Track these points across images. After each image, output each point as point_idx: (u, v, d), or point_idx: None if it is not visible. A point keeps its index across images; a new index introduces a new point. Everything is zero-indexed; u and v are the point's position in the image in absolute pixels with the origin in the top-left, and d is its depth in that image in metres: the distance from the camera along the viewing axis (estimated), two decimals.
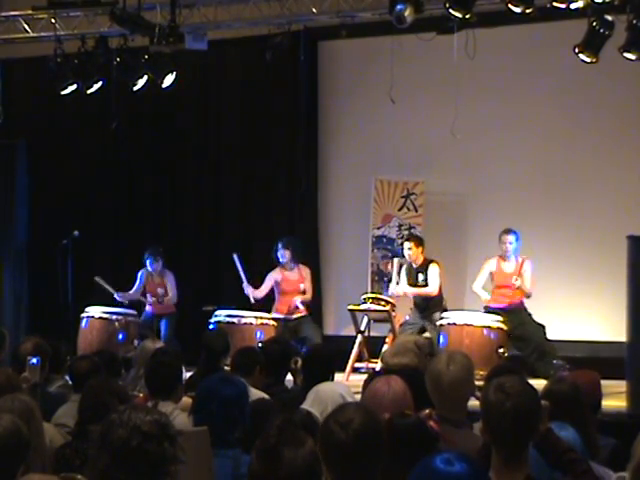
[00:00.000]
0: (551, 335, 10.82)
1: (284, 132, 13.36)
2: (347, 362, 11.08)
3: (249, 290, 11.57)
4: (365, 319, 11.46)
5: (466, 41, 10.84)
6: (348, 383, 9.65)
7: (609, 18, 9.83)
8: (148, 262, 12.07)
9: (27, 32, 12.54)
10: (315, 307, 12.38)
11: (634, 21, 9.63)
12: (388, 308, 11.25)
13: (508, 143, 12.25)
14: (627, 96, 11.71)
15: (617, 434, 5.39)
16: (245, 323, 11.25)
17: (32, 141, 14.28)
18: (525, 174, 12.16)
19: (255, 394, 6.13)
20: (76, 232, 12.22)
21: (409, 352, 6.16)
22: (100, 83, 12.02)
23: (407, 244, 11.30)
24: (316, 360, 6.70)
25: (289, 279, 11.63)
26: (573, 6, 9.58)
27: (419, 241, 11.30)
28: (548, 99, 12.06)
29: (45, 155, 14.22)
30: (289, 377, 7.37)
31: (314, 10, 11.70)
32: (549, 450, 3.81)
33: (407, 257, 11.26)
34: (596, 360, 9.99)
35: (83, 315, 11.76)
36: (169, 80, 11.81)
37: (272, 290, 11.72)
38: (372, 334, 11.53)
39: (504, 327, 10.46)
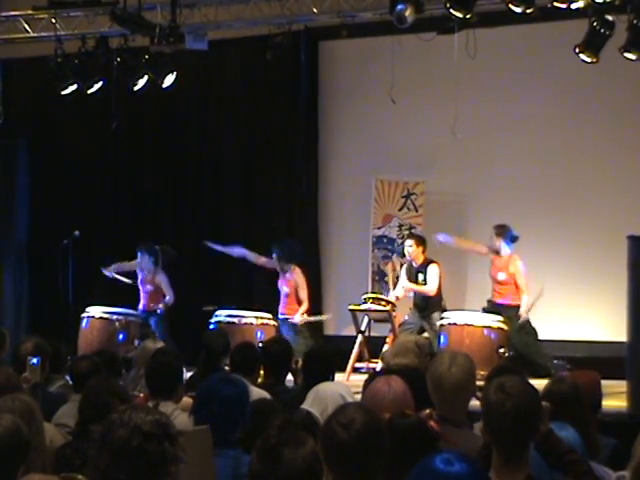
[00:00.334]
0: (551, 335, 10.83)
1: (284, 132, 13.36)
2: (347, 362, 11.08)
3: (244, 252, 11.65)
4: (366, 319, 11.47)
5: (467, 41, 10.85)
6: (348, 383, 9.65)
7: (610, 18, 9.84)
8: (138, 254, 12.05)
9: (27, 32, 12.55)
10: (315, 307, 12.38)
11: (634, 21, 9.64)
12: (388, 308, 11.26)
13: (509, 143, 12.25)
14: (627, 96, 11.71)
15: (617, 434, 5.39)
16: (245, 323, 11.26)
17: (32, 141, 14.29)
18: (525, 174, 12.16)
19: (258, 393, 6.14)
20: (76, 232, 12.22)
21: (410, 352, 6.16)
22: (100, 83, 12.02)
23: (408, 241, 11.33)
24: (316, 360, 6.70)
25: (280, 279, 11.62)
26: (574, 6, 9.58)
27: (420, 240, 11.30)
28: (549, 99, 12.06)
29: (45, 155, 14.22)
30: (289, 377, 7.37)
31: (315, 10, 11.70)
32: (550, 451, 3.81)
33: (407, 255, 11.26)
34: (596, 360, 9.98)
35: (83, 315, 11.76)
36: (169, 80, 11.81)
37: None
38: (372, 334, 11.53)
39: (505, 327, 10.46)
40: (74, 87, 12.06)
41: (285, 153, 13.40)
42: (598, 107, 11.87)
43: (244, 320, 11.28)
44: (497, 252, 10.90)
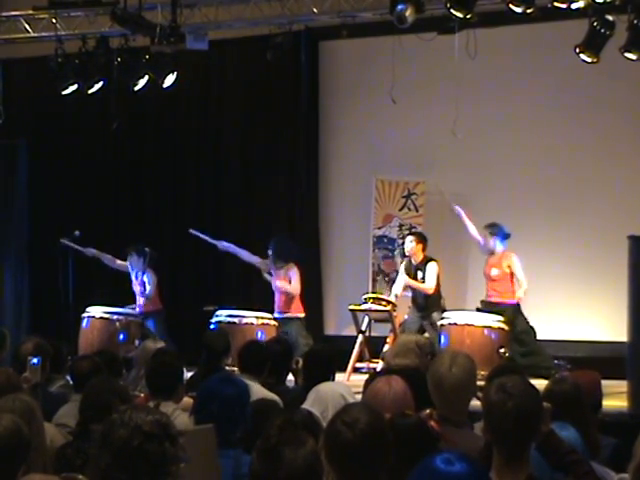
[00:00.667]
0: (551, 335, 10.83)
1: (285, 132, 13.36)
2: (348, 362, 11.08)
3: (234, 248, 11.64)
4: (366, 319, 11.47)
5: (467, 41, 10.84)
6: (349, 383, 9.65)
7: (610, 18, 9.84)
8: (127, 258, 12.08)
9: (28, 32, 12.55)
10: (316, 307, 12.39)
11: (635, 21, 9.65)
12: (389, 308, 11.26)
13: (509, 143, 12.25)
14: (628, 96, 11.71)
15: (618, 434, 5.39)
16: (246, 323, 11.26)
17: (33, 141, 14.29)
18: (526, 174, 12.16)
19: (265, 395, 6.14)
20: (77, 232, 12.22)
21: (410, 353, 6.16)
22: (101, 83, 12.03)
23: (409, 237, 11.36)
24: (317, 360, 6.70)
25: (276, 277, 11.61)
26: (574, 6, 9.58)
27: (421, 238, 11.31)
28: (549, 99, 12.06)
29: (46, 155, 14.22)
30: (290, 377, 7.38)
31: (315, 10, 11.70)
32: (551, 451, 3.81)
33: (407, 251, 11.26)
34: (597, 360, 9.99)
35: (84, 315, 11.76)
36: (170, 80, 11.82)
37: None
38: (373, 334, 11.53)
39: (505, 327, 10.46)
40: (74, 87, 12.06)
41: (285, 153, 13.40)
42: (598, 107, 11.87)
43: (245, 320, 11.28)
44: (492, 252, 10.92)
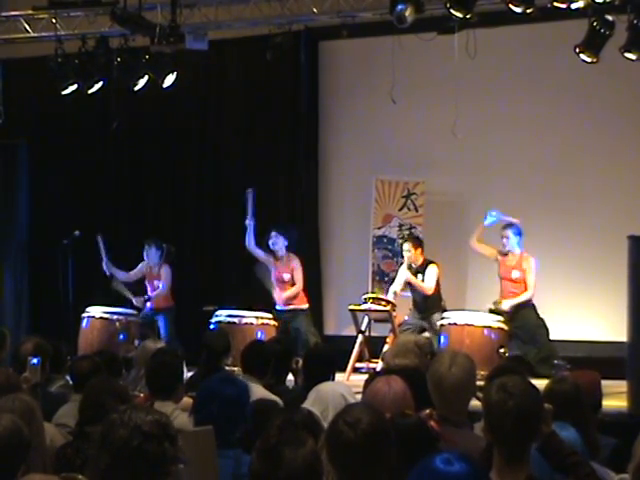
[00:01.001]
0: (552, 335, 10.82)
1: (284, 132, 13.36)
2: (348, 362, 11.08)
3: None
4: (366, 319, 11.46)
5: (467, 41, 10.84)
6: (349, 383, 9.64)
7: (610, 18, 9.84)
8: (145, 251, 12.07)
9: (28, 32, 12.55)
10: (315, 307, 12.38)
11: (635, 21, 9.64)
12: (389, 308, 11.25)
13: (509, 143, 12.25)
14: (628, 96, 11.71)
15: (618, 434, 5.39)
16: (246, 323, 11.26)
17: (33, 141, 14.28)
18: (525, 174, 12.15)
19: (266, 396, 6.14)
20: (77, 232, 12.23)
21: (410, 353, 6.16)
22: (101, 83, 12.02)
23: (405, 246, 11.31)
24: (317, 360, 6.70)
25: (277, 267, 11.63)
26: (574, 6, 9.58)
27: (417, 242, 11.30)
28: (549, 99, 12.05)
29: (46, 155, 14.22)
30: (290, 377, 7.38)
31: (315, 10, 11.70)
32: (552, 453, 3.81)
33: (406, 259, 11.26)
34: (596, 360, 9.99)
35: (84, 315, 11.77)
36: (170, 80, 11.82)
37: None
38: (373, 334, 11.53)
39: (505, 327, 10.46)
40: (74, 87, 12.06)
41: (285, 153, 13.40)
42: (598, 107, 11.87)
43: (244, 320, 11.28)
44: (507, 253, 10.86)
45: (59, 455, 4.75)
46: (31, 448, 3.93)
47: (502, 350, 10.21)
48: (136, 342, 11.07)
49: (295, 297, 11.61)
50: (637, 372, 8.40)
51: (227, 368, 7.74)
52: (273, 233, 11.61)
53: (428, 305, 11.13)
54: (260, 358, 6.87)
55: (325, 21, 12.04)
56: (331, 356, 6.81)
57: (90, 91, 12.09)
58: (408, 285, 11.28)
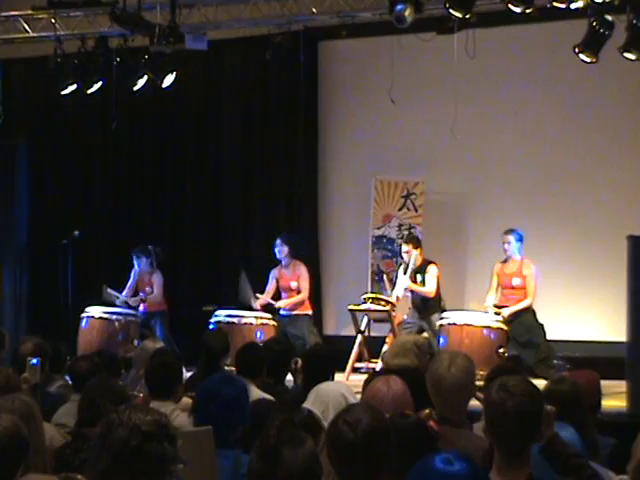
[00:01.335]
0: (551, 335, 10.81)
1: (284, 132, 13.36)
2: (347, 362, 11.08)
3: (260, 302, 11.53)
4: (365, 319, 11.46)
5: (466, 41, 10.85)
6: (348, 383, 9.64)
7: (609, 18, 9.84)
8: (134, 261, 12.05)
9: (27, 32, 12.54)
10: (315, 307, 12.36)
11: (634, 21, 9.64)
12: (388, 308, 11.25)
13: (508, 143, 12.25)
14: (627, 96, 11.71)
15: (617, 434, 5.39)
16: (245, 323, 11.25)
17: (32, 141, 14.28)
18: (525, 174, 12.16)
19: (261, 396, 6.13)
20: (76, 232, 12.22)
21: (409, 353, 6.16)
22: (100, 83, 12.02)
23: (404, 247, 11.27)
24: (316, 360, 6.70)
25: (283, 276, 11.64)
26: (573, 6, 9.58)
27: (416, 243, 11.28)
28: (548, 99, 12.06)
29: (45, 155, 14.22)
30: (289, 377, 7.37)
31: (314, 10, 11.70)
32: (555, 455, 3.81)
33: (405, 259, 11.25)
34: (596, 360, 9.99)
35: (83, 315, 11.75)
36: (169, 80, 11.81)
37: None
38: (372, 334, 11.52)
39: (504, 327, 10.45)
40: (74, 87, 12.06)
41: (284, 153, 13.40)
42: (598, 107, 11.87)
43: (244, 320, 11.27)
44: (506, 260, 10.81)
45: (58, 455, 4.75)
46: (30, 448, 3.93)
47: (501, 350, 10.21)
48: (135, 342, 11.07)
49: (301, 304, 11.59)
50: (636, 372, 8.40)
51: (226, 368, 7.73)
52: (278, 241, 11.59)
53: (427, 305, 11.11)
54: (252, 360, 6.86)
55: (324, 21, 12.04)
56: (330, 356, 6.80)
57: (89, 91, 12.09)
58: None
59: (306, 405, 5.75)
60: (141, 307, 12.05)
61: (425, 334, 10.73)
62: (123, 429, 2.99)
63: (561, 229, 11.88)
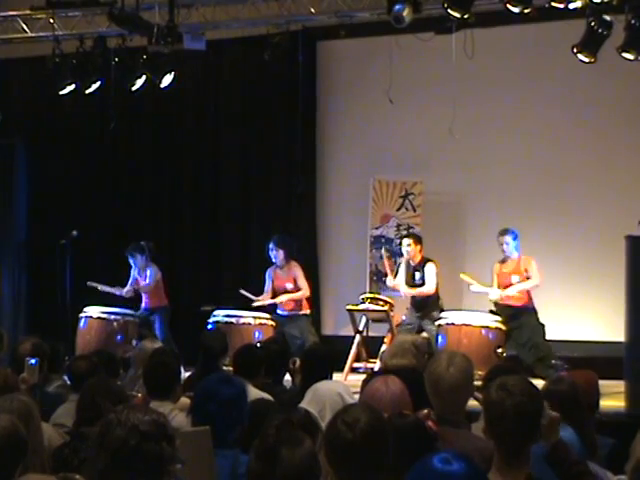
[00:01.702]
0: (549, 335, 10.82)
1: (282, 132, 13.36)
2: (345, 362, 11.08)
3: (260, 302, 11.52)
4: (364, 319, 11.46)
5: (464, 41, 10.86)
6: (346, 383, 9.64)
7: (607, 18, 9.84)
8: (130, 260, 12.04)
9: (25, 32, 12.53)
10: (313, 307, 12.35)
11: (632, 21, 9.64)
12: (386, 308, 11.26)
13: (507, 143, 12.25)
14: (626, 96, 11.71)
15: (615, 434, 5.40)
16: (243, 323, 11.25)
17: (30, 141, 14.28)
18: (524, 174, 12.15)
19: (259, 395, 6.13)
20: (75, 232, 12.21)
21: (407, 353, 6.16)
22: (98, 83, 12.02)
23: (406, 240, 11.29)
24: (314, 360, 6.70)
25: (279, 277, 11.61)
26: (571, 6, 9.58)
27: (418, 239, 11.29)
28: (546, 99, 12.06)
29: (44, 155, 14.22)
30: (287, 377, 7.37)
31: (312, 10, 11.70)
32: (559, 462, 3.81)
33: (405, 254, 11.23)
34: (594, 360, 9.99)
35: (81, 315, 11.76)
36: (167, 80, 11.82)
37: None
38: (370, 334, 11.53)
39: (502, 327, 10.45)
40: (72, 87, 12.06)
41: (283, 153, 13.40)
42: (596, 107, 11.87)
43: (242, 320, 11.27)
44: (504, 260, 10.82)
45: (57, 455, 4.74)
46: (29, 448, 3.93)
47: (500, 350, 10.21)
48: (134, 342, 11.06)
49: (298, 303, 11.54)
50: (634, 372, 8.41)
51: (225, 368, 7.73)
52: (271, 245, 11.52)
53: (426, 304, 11.11)
54: (249, 361, 6.86)
55: (323, 21, 12.04)
56: (329, 356, 6.80)
57: (88, 91, 12.09)
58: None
59: (303, 405, 5.75)
60: (143, 304, 12.03)
61: (424, 334, 10.74)
62: (121, 429, 2.99)
63: (560, 229, 11.88)
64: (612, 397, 8.52)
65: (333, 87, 13.27)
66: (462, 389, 4.66)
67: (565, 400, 4.67)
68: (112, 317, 11.68)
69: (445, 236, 12.41)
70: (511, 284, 10.72)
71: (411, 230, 12.26)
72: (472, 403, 4.90)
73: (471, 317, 10.55)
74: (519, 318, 10.62)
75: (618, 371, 8.65)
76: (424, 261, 11.15)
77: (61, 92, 12.13)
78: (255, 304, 11.45)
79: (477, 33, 10.84)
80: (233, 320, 11.25)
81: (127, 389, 6.60)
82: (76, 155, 14.04)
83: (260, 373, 6.78)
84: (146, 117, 13.80)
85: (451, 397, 4.60)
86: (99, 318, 11.67)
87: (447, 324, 10.54)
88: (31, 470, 3.96)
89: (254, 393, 6.19)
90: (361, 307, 11.45)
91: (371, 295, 11.64)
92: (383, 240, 12.53)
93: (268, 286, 11.62)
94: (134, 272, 12.10)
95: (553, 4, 9.61)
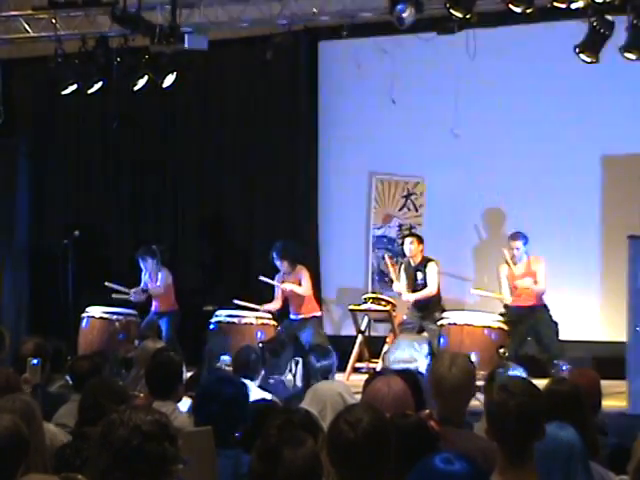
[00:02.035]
0: None
1: (284, 132, 13.35)
2: (348, 362, 11.08)
3: (271, 307, 11.51)
4: (366, 319, 11.47)
5: (466, 41, 10.86)
6: (348, 383, 9.65)
7: (609, 18, 9.83)
8: (141, 264, 12.01)
9: (28, 32, 12.53)
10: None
11: (634, 21, 9.64)
12: (388, 308, 11.26)
13: (509, 143, 12.24)
14: (627, 96, 11.70)
15: (617, 434, 5.40)
16: (245, 323, 11.25)
17: (32, 141, 14.28)
18: (525, 174, 12.13)
19: (260, 395, 6.14)
20: (77, 232, 12.21)
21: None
22: (100, 83, 12.02)
23: (409, 239, 11.29)
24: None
25: (288, 283, 11.58)
26: (573, 6, 9.58)
27: (420, 239, 11.29)
28: (548, 99, 12.05)
29: (46, 155, 14.22)
30: (289, 377, 7.38)
31: (315, 10, 11.69)
32: None
33: (408, 252, 11.22)
34: (596, 360, 9.99)
35: (84, 315, 11.76)
36: (169, 80, 11.81)
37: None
38: (372, 334, 11.53)
39: (504, 327, 10.45)
40: (74, 87, 12.06)
41: (285, 153, 13.39)
42: (597, 107, 11.86)
43: (244, 320, 11.27)
44: (515, 263, 10.81)
45: (59, 455, 4.74)
46: (31, 448, 3.93)
47: (502, 350, 10.20)
48: (136, 342, 11.06)
49: (306, 306, 11.47)
50: (637, 372, 8.40)
51: (226, 368, 7.74)
52: (274, 255, 11.43)
53: (428, 304, 11.10)
54: (250, 361, 6.86)
55: (325, 21, 12.04)
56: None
57: (90, 91, 12.08)
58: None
59: (303, 405, 5.75)
60: (153, 307, 12.01)
61: (425, 334, 10.74)
62: (124, 429, 2.99)
63: (562, 229, 11.87)
64: (614, 397, 8.51)
65: (335, 87, 13.26)
66: (464, 389, 4.66)
67: (567, 400, 4.67)
68: (114, 317, 11.68)
69: (447, 236, 12.39)
70: (523, 287, 10.72)
71: (413, 230, 12.26)
72: (474, 403, 4.90)
73: (473, 317, 10.55)
74: (534, 314, 10.61)
75: (620, 371, 8.65)
76: (425, 261, 11.15)
77: (63, 92, 12.12)
78: (265, 307, 11.40)
79: (479, 33, 10.84)
80: (235, 320, 11.25)
81: (129, 389, 6.60)
82: (78, 155, 14.04)
83: (259, 373, 6.78)
84: (148, 117, 13.79)
85: (453, 397, 4.60)
86: (101, 318, 11.68)
87: (449, 324, 10.54)
88: (33, 470, 3.96)
89: (256, 393, 6.21)
90: (363, 307, 11.46)
91: (373, 295, 11.64)
92: (385, 240, 12.53)
93: (278, 292, 11.56)
94: (145, 276, 12.04)
95: (555, 4, 9.61)
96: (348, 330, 11.92)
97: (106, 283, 11.77)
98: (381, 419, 3.51)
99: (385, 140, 12.78)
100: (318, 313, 11.57)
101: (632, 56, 9.76)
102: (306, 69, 12.87)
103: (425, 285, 11.08)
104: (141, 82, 11.81)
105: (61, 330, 11.55)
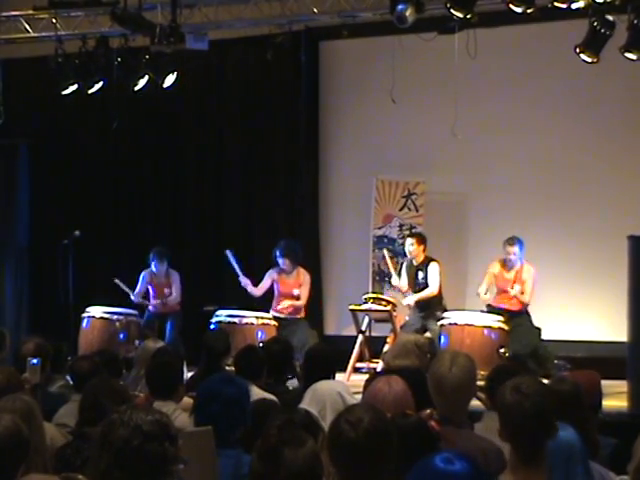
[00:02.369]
0: (551, 335, 10.83)
1: (285, 132, 13.36)
2: (348, 362, 11.08)
3: (247, 284, 11.55)
4: (366, 319, 11.46)
5: (467, 41, 10.85)
6: (349, 383, 9.65)
7: (610, 18, 9.83)
8: (153, 263, 11.95)
9: (28, 32, 12.54)
10: (316, 307, 12.39)
11: (635, 21, 9.64)
12: (389, 308, 11.26)
13: (509, 143, 12.24)
14: (628, 96, 11.70)
15: (618, 434, 5.39)
16: (246, 323, 11.25)
17: (33, 141, 14.27)
18: (526, 174, 12.15)
19: (262, 395, 6.13)
20: (77, 232, 12.21)
21: (410, 354, 6.16)
22: (101, 83, 12.02)
23: (410, 240, 11.29)
24: (316, 360, 6.69)
25: (285, 282, 11.59)
26: (574, 6, 9.58)
27: (421, 239, 11.28)
28: (549, 99, 12.05)
29: (46, 155, 14.21)
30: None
31: (315, 10, 11.69)
32: None
33: (409, 254, 11.23)
34: (596, 360, 9.99)
35: (84, 315, 11.76)
36: (170, 80, 11.82)
37: (271, 287, 11.67)
38: (373, 334, 11.53)
39: (505, 327, 10.45)
40: (74, 87, 12.06)
41: (286, 153, 13.39)
42: (599, 107, 11.86)
43: (245, 320, 11.27)
44: (512, 267, 10.81)
45: (59, 455, 4.75)
46: (31, 448, 3.93)
47: (502, 350, 10.21)
48: (136, 342, 11.07)
49: (297, 308, 11.55)
50: (637, 372, 8.40)
51: (227, 368, 7.73)
52: (277, 253, 11.47)
53: (430, 304, 11.10)
54: (252, 363, 6.85)
55: (325, 21, 12.05)
56: (331, 356, 6.80)
57: (90, 91, 12.09)
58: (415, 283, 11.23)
59: (303, 405, 5.75)
60: (151, 307, 12.00)
61: (427, 334, 10.73)
62: (124, 429, 2.99)
63: (562, 229, 11.87)
64: (615, 397, 8.51)
65: (335, 87, 13.26)
66: (465, 389, 4.66)
67: (567, 400, 4.67)
68: (115, 317, 11.68)
69: (448, 236, 12.41)
70: (507, 291, 10.71)
71: (413, 230, 12.26)
72: (475, 403, 4.90)
73: (474, 317, 10.56)
74: (513, 320, 10.61)
75: (621, 371, 8.65)
76: (427, 261, 11.15)
77: (64, 92, 12.13)
78: (244, 285, 11.41)
79: (480, 33, 10.84)
80: (236, 320, 11.26)
81: (130, 389, 6.60)
82: (78, 155, 14.04)
83: (262, 374, 6.78)
84: (149, 117, 13.79)
85: (454, 397, 4.60)
86: (102, 318, 11.68)
87: (450, 324, 10.55)
88: (33, 470, 3.96)
89: (257, 393, 6.20)
90: (364, 307, 11.45)
91: (374, 295, 11.64)
92: (386, 240, 12.53)
93: (264, 284, 11.58)
94: (147, 276, 12.01)
95: (556, 4, 9.60)
96: (349, 330, 11.92)
97: (115, 280, 11.77)
98: (382, 419, 3.52)
99: (386, 140, 12.78)
100: (302, 315, 11.59)
101: (632, 56, 9.76)
102: (307, 69, 12.87)
103: (426, 285, 11.08)
104: (141, 82, 11.82)
105: (61, 330, 11.54)
